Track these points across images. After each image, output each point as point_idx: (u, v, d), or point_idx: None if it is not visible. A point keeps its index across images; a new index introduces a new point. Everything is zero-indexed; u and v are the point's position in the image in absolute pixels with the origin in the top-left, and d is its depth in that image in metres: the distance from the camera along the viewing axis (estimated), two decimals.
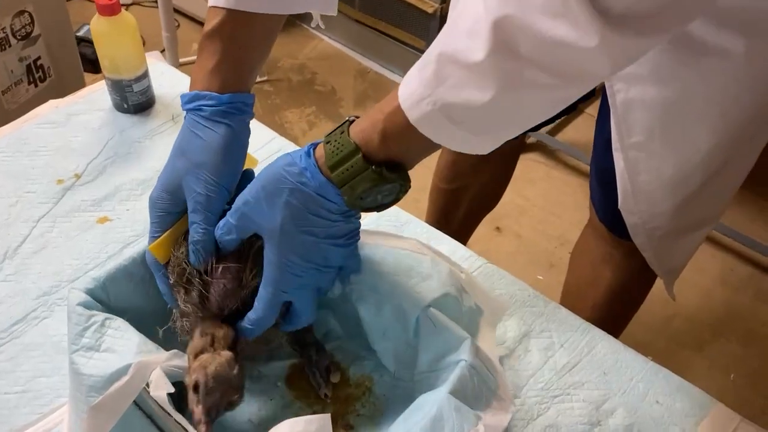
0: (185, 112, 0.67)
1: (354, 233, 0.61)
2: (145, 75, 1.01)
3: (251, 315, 0.61)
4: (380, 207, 0.58)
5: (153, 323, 0.66)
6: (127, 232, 0.86)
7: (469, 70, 0.48)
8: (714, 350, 1.50)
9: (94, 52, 0.97)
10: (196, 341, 0.60)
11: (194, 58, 2.56)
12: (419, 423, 0.57)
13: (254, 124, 1.01)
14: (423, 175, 0.93)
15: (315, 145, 0.58)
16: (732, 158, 0.81)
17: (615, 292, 1.02)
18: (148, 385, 0.61)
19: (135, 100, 1.02)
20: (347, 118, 0.58)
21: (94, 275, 0.65)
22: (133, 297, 0.68)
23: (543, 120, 0.54)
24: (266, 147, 0.98)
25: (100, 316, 0.62)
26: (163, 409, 0.57)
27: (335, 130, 0.57)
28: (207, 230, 0.62)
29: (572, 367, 0.74)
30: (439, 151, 1.27)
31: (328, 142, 0.57)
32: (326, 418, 0.55)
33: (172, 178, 0.64)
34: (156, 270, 0.65)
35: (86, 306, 0.63)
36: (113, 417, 0.59)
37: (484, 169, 1.12)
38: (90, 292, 0.65)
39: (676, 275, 0.96)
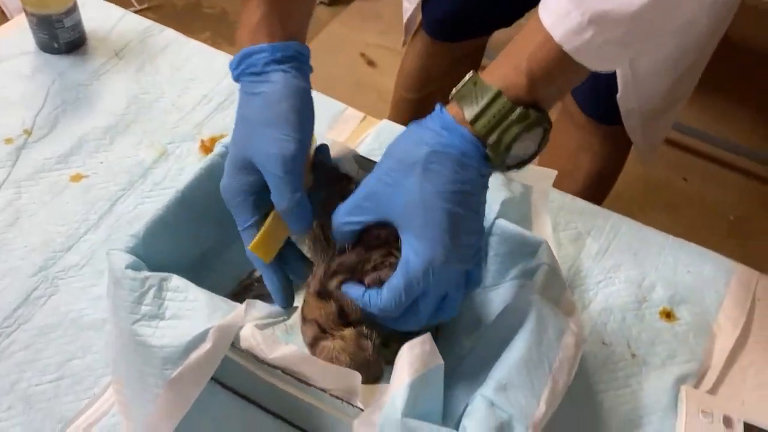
0: (236, 81, 0.58)
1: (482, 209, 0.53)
2: (75, 7, 0.88)
3: (376, 302, 0.52)
4: (522, 163, 0.52)
5: (197, 276, 0.60)
6: (111, 188, 0.76)
7: None
8: (644, 223, 1.63)
9: None
10: (307, 330, 0.55)
11: None
12: (524, 327, 0.56)
13: (205, 52, 0.92)
14: None
15: (442, 105, 0.52)
16: (720, 26, 0.84)
17: (593, 178, 1.06)
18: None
19: (67, 38, 0.88)
20: (469, 74, 0.51)
21: (132, 232, 0.58)
22: (172, 250, 0.61)
23: (691, 30, 0.49)
24: (227, 81, 0.89)
25: (155, 277, 0.55)
26: (298, 379, 0.52)
27: (462, 86, 0.51)
28: (293, 195, 0.53)
29: (604, 252, 0.77)
30: (400, 62, 1.23)
31: (461, 98, 0.50)
32: (428, 336, 0.53)
33: (239, 152, 0.55)
34: (262, 268, 0.57)
35: (135, 268, 0.56)
36: (196, 388, 0.54)
37: (453, 74, 1.09)
38: (131, 251, 0.57)
39: (656, 150, 1.01)
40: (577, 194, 1.05)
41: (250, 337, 0.53)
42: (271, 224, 0.56)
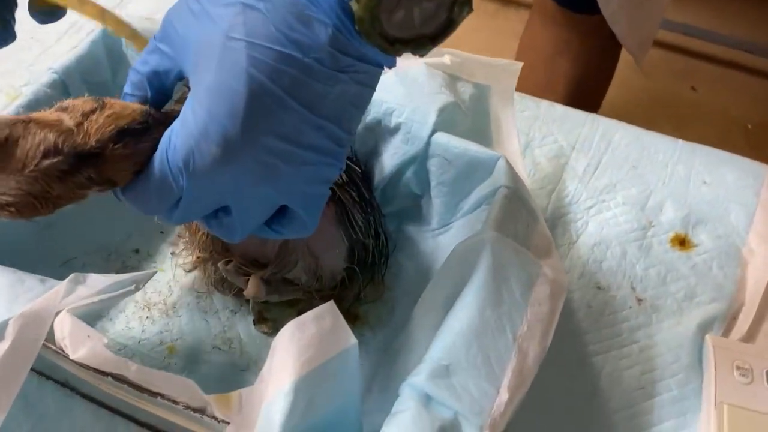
0: None
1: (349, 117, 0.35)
2: None
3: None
4: (418, 40, 0.33)
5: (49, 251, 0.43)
6: None
7: None
8: None
9: None
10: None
11: None
12: (473, 280, 0.39)
13: None
14: None
15: None
16: None
17: (575, 86, 0.87)
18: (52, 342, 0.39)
19: None
20: None
21: None
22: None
23: None
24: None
25: None
26: (108, 375, 0.36)
27: None
28: None
29: (595, 169, 0.59)
30: None
31: None
32: (331, 305, 0.36)
33: None
34: None
35: None
36: (2, 403, 0.38)
37: None
38: None
39: (647, 47, 0.83)
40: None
41: (58, 327, 0.36)
42: None
